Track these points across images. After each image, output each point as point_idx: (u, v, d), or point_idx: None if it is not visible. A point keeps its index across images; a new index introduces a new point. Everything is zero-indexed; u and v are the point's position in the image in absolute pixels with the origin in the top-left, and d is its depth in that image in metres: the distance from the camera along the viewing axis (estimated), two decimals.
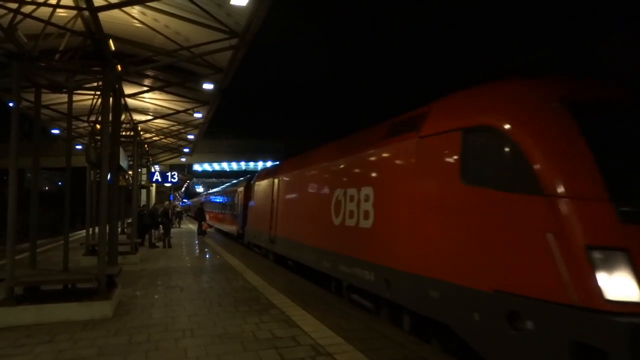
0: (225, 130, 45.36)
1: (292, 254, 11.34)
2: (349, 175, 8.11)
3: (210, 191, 48.46)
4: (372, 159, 7.32)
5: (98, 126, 9.73)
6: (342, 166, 8.56)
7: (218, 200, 32.79)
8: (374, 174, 7.17)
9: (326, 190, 9.09)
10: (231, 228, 23.81)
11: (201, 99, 13.70)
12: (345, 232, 7.89)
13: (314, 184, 10.09)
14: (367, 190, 7.17)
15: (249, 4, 7.07)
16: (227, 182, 41.75)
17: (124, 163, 12.68)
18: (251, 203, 17.47)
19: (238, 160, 51.24)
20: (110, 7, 7.28)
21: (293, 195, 11.75)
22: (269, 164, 47.45)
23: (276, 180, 13.30)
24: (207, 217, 32.52)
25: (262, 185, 15.58)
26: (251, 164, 54.73)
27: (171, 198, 36.95)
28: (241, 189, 20.93)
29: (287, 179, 12.44)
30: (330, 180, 9.00)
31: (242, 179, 25.95)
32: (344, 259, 7.83)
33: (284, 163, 13.19)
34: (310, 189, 10.24)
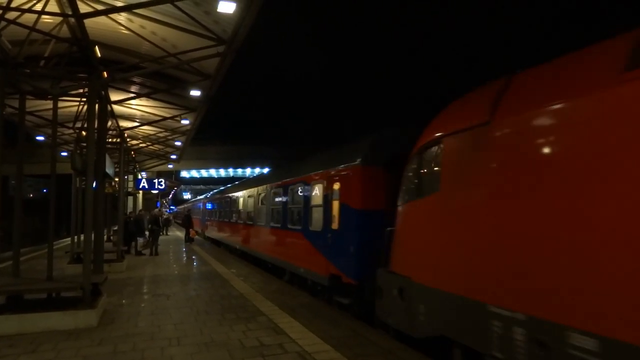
0: (213, 136, 45.25)
1: None
2: None
3: (227, 187, 25.61)
4: None
5: (84, 133, 9.64)
6: None
7: (249, 203, 16.29)
8: None
9: None
10: (306, 266, 9.84)
11: (188, 106, 13.70)
12: None
13: None
14: None
15: (236, 11, 7.12)
16: (215, 189, 32.94)
17: (110, 170, 12.56)
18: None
19: (226, 167, 51.02)
20: (96, 14, 7.27)
21: None
22: (257, 170, 47.06)
23: None
24: (226, 234, 21.55)
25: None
26: (239, 171, 54.52)
27: (158, 205, 36.50)
28: (350, 172, 7.95)
29: None
30: None
31: (334, 150, 9.46)
32: None
33: None
34: None
